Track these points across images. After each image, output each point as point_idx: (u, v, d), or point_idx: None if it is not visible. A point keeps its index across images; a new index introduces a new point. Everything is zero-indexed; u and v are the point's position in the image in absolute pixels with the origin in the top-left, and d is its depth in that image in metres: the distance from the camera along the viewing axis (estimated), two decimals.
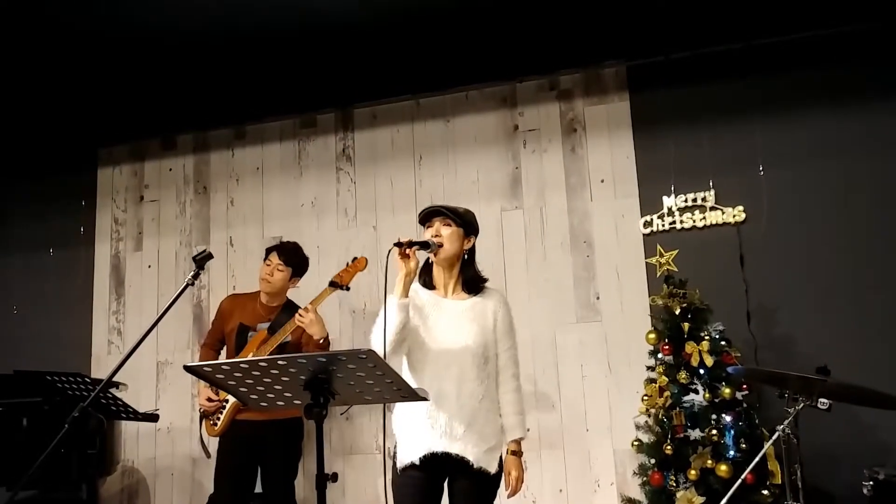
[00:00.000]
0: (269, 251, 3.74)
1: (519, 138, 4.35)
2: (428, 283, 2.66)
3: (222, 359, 3.71)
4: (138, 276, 4.92)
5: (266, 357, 1.90)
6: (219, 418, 3.59)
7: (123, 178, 5.07)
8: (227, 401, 3.58)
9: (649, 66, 4.12)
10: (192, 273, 2.55)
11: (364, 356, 1.85)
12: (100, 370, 4.78)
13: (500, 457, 2.61)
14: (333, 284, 3.45)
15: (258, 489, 3.69)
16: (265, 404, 2.15)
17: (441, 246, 2.57)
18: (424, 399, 2.06)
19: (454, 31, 3.87)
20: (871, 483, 2.66)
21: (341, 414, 4.16)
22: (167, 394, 4.69)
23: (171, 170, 4.98)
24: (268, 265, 3.67)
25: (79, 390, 3.30)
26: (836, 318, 3.66)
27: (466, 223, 2.65)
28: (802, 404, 2.63)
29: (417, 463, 2.50)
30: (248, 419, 3.52)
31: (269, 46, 3.94)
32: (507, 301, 2.74)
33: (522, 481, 2.61)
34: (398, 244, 2.48)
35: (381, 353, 2.22)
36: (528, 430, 3.92)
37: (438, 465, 2.51)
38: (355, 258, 3.54)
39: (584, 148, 4.22)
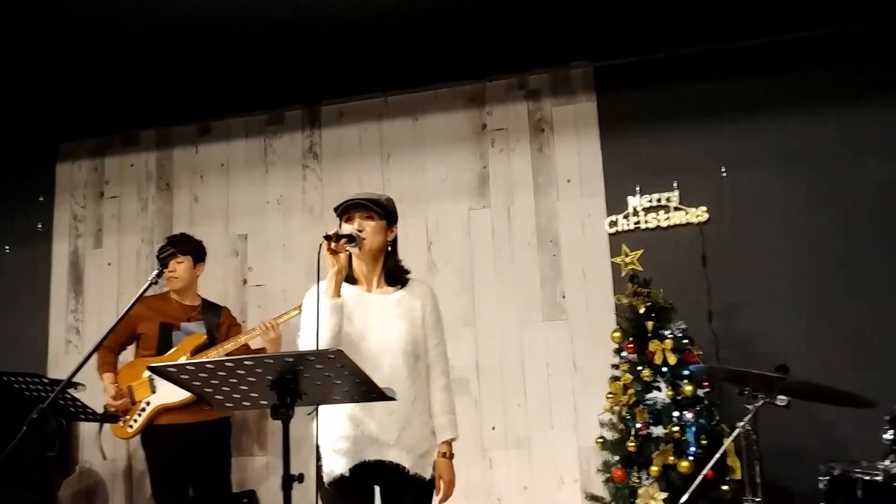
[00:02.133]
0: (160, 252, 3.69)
1: (487, 137, 4.36)
2: (349, 277, 2.48)
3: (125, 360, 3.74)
4: (98, 273, 4.82)
5: (233, 357, 1.87)
6: (135, 420, 3.56)
7: (83, 174, 4.95)
8: (148, 402, 3.56)
9: (616, 67, 4.15)
10: (156, 271, 2.51)
11: (333, 356, 1.84)
12: (57, 370, 4.66)
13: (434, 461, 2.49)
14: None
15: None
16: (230, 405, 2.12)
17: (364, 240, 2.41)
18: (393, 398, 2.05)
19: (423, 30, 3.86)
20: (827, 478, 2.73)
21: (308, 414, 4.11)
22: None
23: (132, 166, 4.89)
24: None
25: (36, 391, 3.23)
26: (796, 317, 3.73)
27: (389, 214, 2.50)
28: (762, 401, 2.69)
29: (347, 475, 2.37)
30: (173, 423, 3.52)
31: (235, 42, 3.89)
32: (435, 293, 2.60)
33: (454, 485, 2.49)
34: (327, 237, 2.32)
35: None
36: (494, 428, 4.06)
37: (370, 475, 2.39)
38: None
39: (551, 147, 4.25)
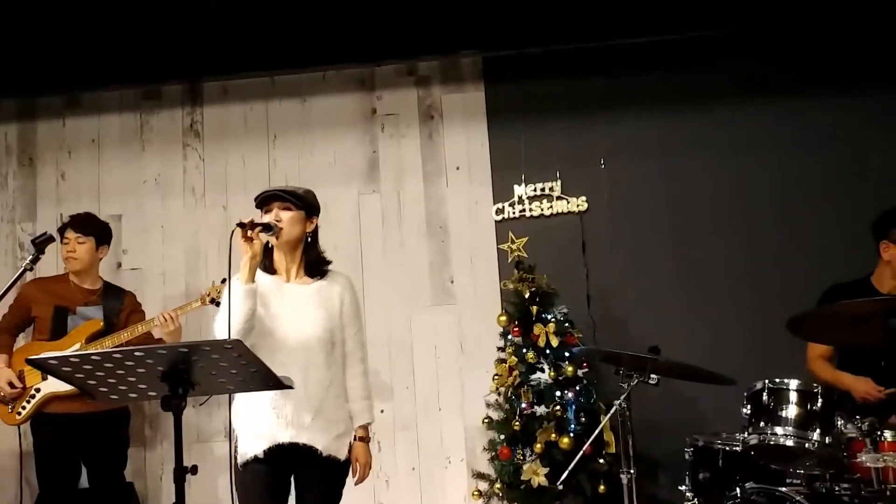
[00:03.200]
0: (61, 230, 3.56)
1: (377, 122, 4.35)
2: (269, 267, 2.57)
3: (20, 344, 3.57)
4: None
5: (121, 349, 1.80)
6: (24, 407, 3.38)
7: None
8: (38, 389, 3.37)
9: (504, 58, 4.24)
10: (31, 257, 2.36)
11: (230, 346, 1.81)
12: None
13: (349, 443, 2.59)
14: (213, 302, 3.31)
15: (84, 484, 3.53)
16: (116, 397, 2.03)
17: (281, 230, 2.48)
18: (290, 387, 2.04)
19: (310, 8, 3.78)
20: (691, 449, 2.97)
21: (200, 405, 4.00)
22: None
23: None
24: (66, 243, 3.51)
25: None
26: (665, 301, 4.01)
27: (308, 205, 2.58)
28: (636, 380, 2.89)
29: (262, 456, 2.42)
30: (66, 412, 3.35)
31: (107, 5, 3.64)
32: (353, 284, 2.70)
33: (370, 468, 2.62)
34: (241, 224, 2.39)
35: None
36: (382, 411, 4.10)
37: (284, 457, 2.44)
38: (224, 279, 3.34)
39: (440, 135, 4.31)
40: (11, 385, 3.34)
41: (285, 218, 2.50)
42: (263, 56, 4.27)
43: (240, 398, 2.50)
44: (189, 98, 4.47)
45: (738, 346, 3.79)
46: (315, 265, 2.60)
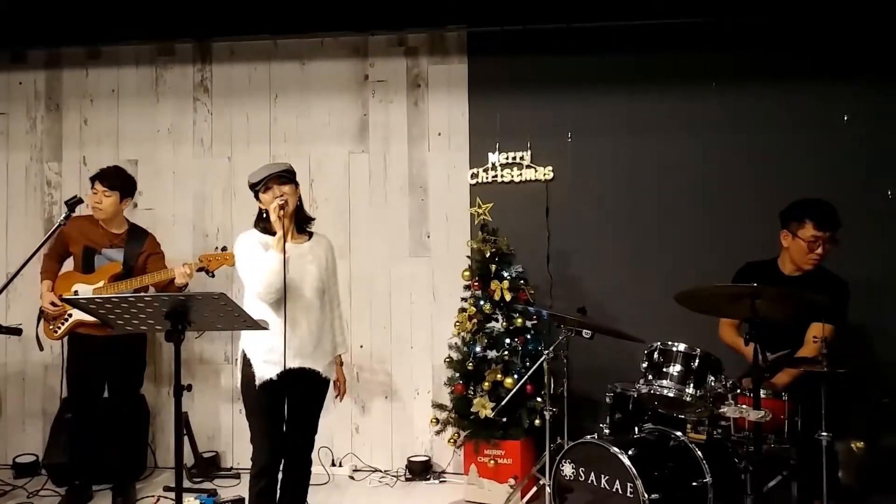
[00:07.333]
0: (92, 180, 4.00)
1: (368, 88, 4.78)
2: (268, 229, 3.02)
3: (65, 269, 4.06)
4: None
5: (135, 295, 2.33)
6: (60, 326, 3.93)
7: None
8: (70, 314, 3.91)
9: (487, 34, 4.61)
10: (64, 215, 2.88)
11: (217, 297, 2.34)
12: None
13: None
14: (201, 269, 3.73)
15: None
16: (130, 328, 2.58)
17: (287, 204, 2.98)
18: (265, 328, 2.58)
19: None
20: (611, 394, 3.52)
21: (196, 337, 4.62)
22: (17, 304, 4.87)
23: (20, 84, 4.97)
24: (94, 194, 3.95)
25: None
26: (613, 263, 4.49)
27: (295, 177, 3.07)
28: (564, 335, 3.43)
29: (276, 378, 2.98)
30: (92, 333, 3.88)
31: None
32: (332, 245, 3.25)
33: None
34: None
35: (270, 298, 2.87)
36: (362, 346, 4.69)
37: (290, 379, 3.01)
38: (224, 248, 3.78)
39: (425, 102, 4.72)
40: (53, 304, 3.88)
41: (286, 190, 2.99)
42: (268, 20, 4.64)
43: (255, 334, 2.97)
44: (199, 56, 4.90)
45: (672, 308, 4.22)
46: (304, 222, 3.16)
